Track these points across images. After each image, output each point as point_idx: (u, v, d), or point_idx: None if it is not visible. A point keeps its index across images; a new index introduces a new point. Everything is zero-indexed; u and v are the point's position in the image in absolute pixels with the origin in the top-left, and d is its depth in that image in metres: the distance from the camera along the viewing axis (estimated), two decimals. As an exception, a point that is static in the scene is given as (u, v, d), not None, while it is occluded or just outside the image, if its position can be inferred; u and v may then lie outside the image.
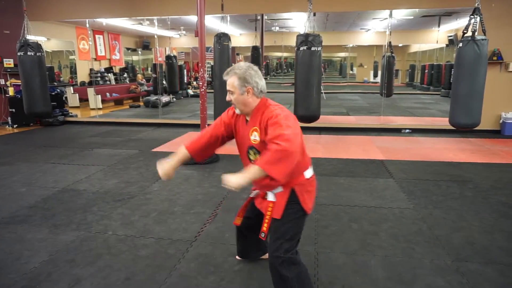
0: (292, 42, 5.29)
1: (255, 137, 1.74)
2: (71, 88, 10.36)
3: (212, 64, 5.50)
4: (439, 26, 12.53)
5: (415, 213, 3.24)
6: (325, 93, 11.11)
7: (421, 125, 7.28)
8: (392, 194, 3.71)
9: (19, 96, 7.20)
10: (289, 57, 19.86)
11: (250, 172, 1.54)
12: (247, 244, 2.31)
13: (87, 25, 9.81)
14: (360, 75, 22.41)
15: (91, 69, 11.76)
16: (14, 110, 7.61)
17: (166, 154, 5.19)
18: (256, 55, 8.82)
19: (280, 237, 1.75)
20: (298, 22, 10.79)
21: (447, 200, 3.55)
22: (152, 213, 3.27)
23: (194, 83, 15.44)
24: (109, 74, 12.24)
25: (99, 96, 10.24)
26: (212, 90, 5.39)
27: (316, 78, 5.15)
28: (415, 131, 6.94)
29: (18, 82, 7.08)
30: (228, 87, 1.76)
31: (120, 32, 13.04)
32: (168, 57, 13.04)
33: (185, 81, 14.19)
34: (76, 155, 5.32)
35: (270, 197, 1.81)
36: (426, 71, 17.76)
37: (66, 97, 9.32)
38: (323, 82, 11.69)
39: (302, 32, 5.21)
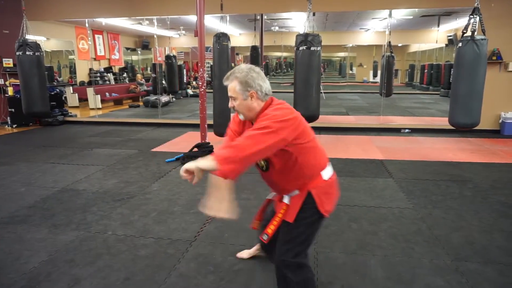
0: (292, 42, 5.28)
1: None
2: (71, 88, 10.36)
3: (211, 64, 5.49)
4: (438, 26, 12.53)
5: (414, 212, 3.25)
6: (324, 93, 11.12)
7: (420, 125, 7.28)
8: (392, 194, 3.71)
9: (18, 96, 7.19)
10: (288, 57, 19.87)
11: (204, 163, 1.47)
12: (270, 246, 2.10)
13: (87, 25, 9.81)
14: (359, 75, 22.42)
15: (90, 69, 11.75)
16: (13, 110, 7.61)
17: (165, 154, 5.21)
18: (255, 55, 8.81)
19: (291, 241, 1.68)
20: (298, 22, 10.79)
21: (446, 200, 3.55)
22: (151, 213, 3.27)
23: (194, 83, 15.44)
24: (109, 74, 12.23)
25: (99, 96, 10.24)
26: (212, 90, 5.38)
27: (315, 78, 5.15)
28: (415, 131, 6.94)
29: (17, 82, 7.07)
30: (229, 93, 1.62)
31: (120, 32, 13.04)
32: (168, 57, 13.03)
33: (185, 81, 14.18)
34: (75, 155, 5.32)
35: (286, 199, 1.71)
36: (426, 71, 17.78)
37: (65, 97, 9.32)
38: (323, 82, 11.73)
39: (301, 32, 5.22)
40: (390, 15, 9.77)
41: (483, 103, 4.83)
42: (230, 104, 1.66)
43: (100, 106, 10.13)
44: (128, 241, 2.75)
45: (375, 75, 18.51)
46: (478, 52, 4.66)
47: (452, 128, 5.23)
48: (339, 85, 17.57)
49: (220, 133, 5.56)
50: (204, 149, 4.90)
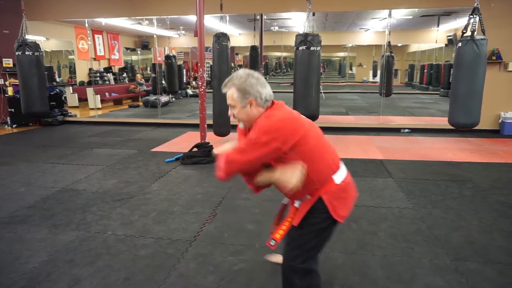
0: (291, 41, 5.28)
1: None
2: (70, 88, 10.36)
3: (211, 64, 5.50)
4: (438, 26, 12.54)
5: (414, 212, 3.25)
6: (324, 92, 11.13)
7: (420, 124, 7.28)
8: (391, 194, 3.71)
9: (18, 96, 7.19)
10: (288, 57, 19.87)
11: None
12: None
13: (86, 25, 9.80)
14: (359, 74, 22.42)
15: (90, 69, 11.76)
16: (13, 110, 7.61)
17: (165, 154, 5.22)
18: (254, 55, 8.82)
19: (300, 247, 1.62)
20: (297, 22, 10.79)
21: (446, 200, 3.55)
22: (151, 213, 3.27)
23: (194, 83, 15.44)
24: (108, 74, 12.23)
25: (98, 96, 10.24)
26: (211, 90, 5.39)
27: (315, 77, 5.16)
28: (414, 130, 6.94)
29: (17, 82, 7.07)
30: (228, 101, 1.57)
31: (119, 31, 13.03)
32: (168, 57, 13.03)
33: (185, 81, 14.19)
34: (75, 155, 5.32)
35: (296, 203, 1.65)
36: (425, 70, 17.79)
37: (65, 97, 9.32)
38: (323, 82, 11.74)
39: (301, 32, 5.22)
40: (389, 15, 9.77)
41: (482, 103, 4.83)
42: (230, 112, 1.60)
43: (100, 106, 10.13)
44: (128, 241, 2.75)
45: (374, 75, 18.51)
46: (478, 52, 4.67)
47: (452, 128, 5.23)
48: (339, 85, 17.56)
49: (220, 133, 5.57)
50: (204, 149, 4.90)
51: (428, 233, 2.85)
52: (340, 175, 1.61)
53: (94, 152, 5.50)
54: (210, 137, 5.30)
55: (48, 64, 10.57)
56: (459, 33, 4.98)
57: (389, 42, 10.84)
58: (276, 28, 12.48)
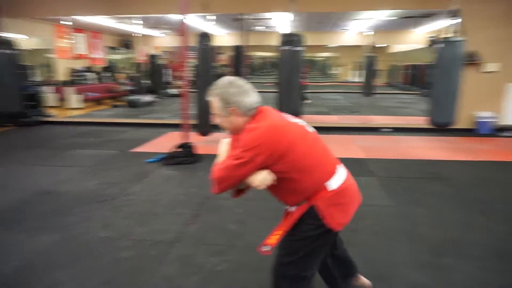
0: (276, 41, 5.31)
1: None
2: (50, 87, 10.11)
3: (195, 63, 5.46)
4: (419, 27, 12.81)
5: (396, 210, 3.31)
6: (308, 92, 11.21)
7: (401, 124, 7.42)
8: (374, 192, 3.77)
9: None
10: (272, 57, 19.91)
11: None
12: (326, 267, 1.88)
13: (67, 23, 9.59)
14: (342, 75, 22.65)
15: (71, 68, 11.51)
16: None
17: (147, 155, 5.16)
18: (238, 55, 8.81)
19: (292, 254, 1.57)
20: (282, 22, 10.84)
21: (427, 198, 3.63)
22: (134, 214, 3.23)
23: (177, 82, 15.31)
24: (90, 73, 12.00)
25: (80, 95, 10.04)
26: (195, 90, 5.36)
27: (298, 77, 5.19)
28: (396, 130, 7.07)
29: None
30: (212, 109, 1.57)
31: (102, 30, 12.81)
32: (151, 56, 12.89)
33: (168, 81, 14.06)
34: (55, 156, 5.20)
35: (292, 208, 1.60)
36: (407, 71, 18.13)
37: (44, 97, 9.09)
38: (307, 82, 11.82)
39: (285, 32, 5.25)
40: (372, 16, 9.93)
41: (460, 103, 4.97)
42: (216, 120, 1.60)
43: (81, 106, 9.93)
44: (110, 243, 2.71)
45: (357, 75, 18.74)
46: (456, 53, 4.81)
47: (432, 127, 5.36)
48: (322, 85, 17.71)
49: (203, 132, 5.55)
50: (186, 149, 4.87)
51: (410, 230, 2.92)
52: (337, 180, 1.55)
53: (75, 153, 5.39)
54: (193, 137, 5.27)
55: (27, 63, 10.29)
56: (439, 35, 5.11)
57: (371, 42, 11.01)
58: (261, 28, 12.52)
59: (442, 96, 4.95)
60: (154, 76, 12.72)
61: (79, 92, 10.11)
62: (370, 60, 12.51)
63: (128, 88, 11.93)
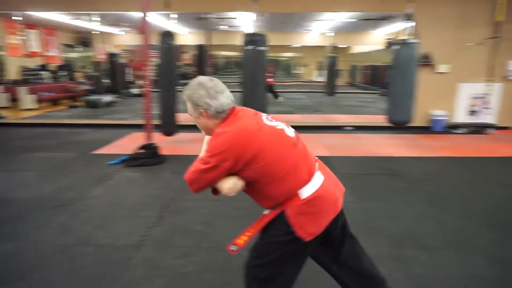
0: (240, 41, 5.31)
1: None
2: (0, 86, 9.47)
3: (157, 62, 5.34)
4: (377, 29, 13.31)
5: (357, 206, 3.42)
6: (271, 92, 11.31)
7: (362, 122, 7.69)
8: (336, 189, 3.87)
9: None
10: (236, 56, 19.91)
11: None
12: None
13: (18, 19, 9.03)
14: (305, 74, 23.10)
15: (22, 66, 10.85)
16: None
17: (108, 157, 4.98)
18: (202, 54, 8.71)
19: (261, 257, 1.53)
20: (245, 21, 10.86)
21: (386, 193, 3.79)
22: (93, 219, 3.10)
23: (139, 82, 14.90)
24: (45, 72, 11.38)
25: (33, 95, 9.49)
26: (158, 89, 5.23)
27: (262, 77, 5.22)
28: (357, 128, 7.31)
29: None
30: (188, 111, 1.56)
31: (57, 27, 12.19)
32: (111, 55, 12.45)
33: (129, 80, 13.65)
34: (8, 160, 4.88)
35: (266, 211, 1.56)
36: (367, 71, 18.81)
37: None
38: (273, 81, 11.93)
39: (249, 32, 5.26)
40: (333, 18, 10.18)
41: (416, 102, 5.23)
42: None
43: (36, 107, 9.40)
44: (68, 250, 2.58)
45: (320, 75, 19.17)
46: (412, 54, 5.04)
47: (390, 125, 5.60)
48: (286, 85, 17.94)
49: (167, 133, 5.44)
50: (150, 150, 4.75)
51: (369, 225, 3.02)
52: (310, 188, 1.47)
53: (30, 157, 5.09)
54: (157, 137, 5.15)
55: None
56: (396, 37, 5.34)
57: (333, 43, 11.30)
58: (225, 27, 12.45)
59: (400, 95, 5.18)
60: (114, 75, 12.30)
61: (32, 92, 9.56)
62: (332, 60, 12.83)
63: (87, 87, 11.44)
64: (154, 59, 5.57)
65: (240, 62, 5.34)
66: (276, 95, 11.83)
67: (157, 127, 5.22)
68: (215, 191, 1.58)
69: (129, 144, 5.50)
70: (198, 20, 10.06)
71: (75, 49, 14.43)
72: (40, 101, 9.65)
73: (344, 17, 10.33)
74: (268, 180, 1.44)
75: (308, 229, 1.46)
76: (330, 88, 12.92)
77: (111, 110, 9.56)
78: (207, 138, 1.58)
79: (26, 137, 6.41)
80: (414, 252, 2.58)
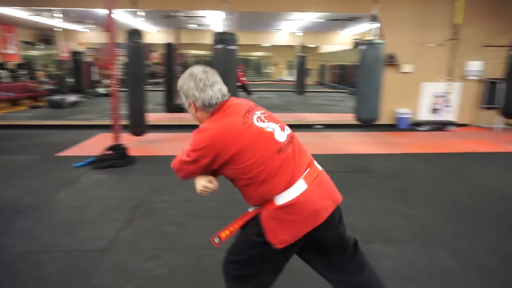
0: (209, 40, 5.27)
1: None
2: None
3: (124, 61, 5.20)
4: (345, 29, 13.63)
5: (327, 203, 3.48)
6: (241, 91, 11.33)
7: (331, 120, 7.85)
8: (307, 187, 3.93)
9: None
10: (206, 55, 19.74)
11: None
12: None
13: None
14: (275, 73, 23.25)
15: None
16: None
17: (74, 159, 4.79)
18: (170, 53, 8.57)
19: (237, 254, 1.53)
20: (215, 20, 10.79)
21: (355, 189, 3.88)
22: (59, 224, 2.97)
23: (106, 81, 14.46)
24: (2, 71, 10.78)
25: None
26: (126, 89, 5.09)
27: (232, 76, 5.21)
28: (327, 126, 7.45)
29: None
30: None
31: (15, 23, 11.58)
32: (75, 53, 11.99)
33: (95, 79, 13.21)
34: (-39, 164, 4.59)
35: (251, 208, 1.54)
36: (335, 70, 19.21)
37: None
38: (245, 80, 11.93)
39: (218, 31, 5.23)
40: (302, 18, 10.32)
41: (382, 100, 5.40)
42: None
43: (-7, 107, 8.89)
44: (31, 257, 2.46)
45: (290, 74, 19.37)
46: (377, 54, 5.20)
47: (358, 123, 5.75)
48: (256, 84, 17.99)
49: (136, 133, 5.31)
50: (118, 152, 4.62)
51: (339, 221, 3.08)
52: (287, 196, 1.40)
53: (-14, 160, 4.81)
54: (126, 138, 5.02)
55: None
56: (363, 37, 5.49)
57: (302, 43, 11.44)
58: (194, 26, 12.32)
59: (367, 94, 5.34)
60: (79, 74, 11.85)
61: (-11, 91, 9.04)
62: (301, 59, 13.02)
63: (50, 87, 10.95)
64: (121, 58, 5.41)
65: (210, 61, 5.29)
66: (249, 93, 11.93)
67: (125, 128, 5.09)
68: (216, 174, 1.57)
69: (95, 145, 5.32)
70: (166, 18, 9.89)
71: (36, 46, 13.79)
72: (-2, 101, 9.14)
73: (312, 17, 10.50)
74: (246, 182, 1.43)
75: (280, 236, 1.41)
76: (299, 87, 13.10)
77: (76, 111, 9.21)
78: None
79: (-17, 139, 6.05)
80: (383, 247, 2.66)
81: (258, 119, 1.47)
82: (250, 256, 1.50)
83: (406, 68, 7.38)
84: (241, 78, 11.40)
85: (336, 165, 4.79)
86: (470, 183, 4.14)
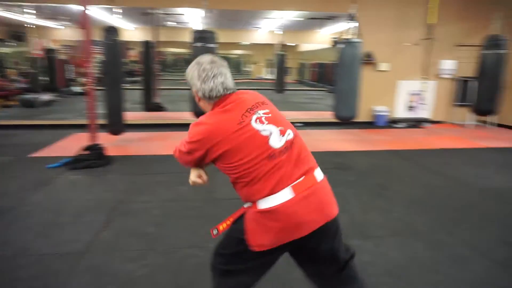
0: (188, 38, 5.21)
1: None
2: None
3: (101, 59, 5.08)
4: (324, 28, 13.77)
5: (307, 200, 3.52)
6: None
7: (311, 118, 7.93)
8: (288, 184, 3.95)
9: None
10: (185, 53, 19.53)
11: None
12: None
13: None
14: (255, 72, 23.28)
15: None
16: None
17: (48, 159, 4.65)
18: (148, 51, 8.42)
19: (224, 247, 1.54)
20: (193, 18, 10.68)
21: (335, 186, 3.87)
22: (34, 226, 2.88)
23: (81, 79, 14.08)
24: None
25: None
26: (102, 87, 4.98)
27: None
28: (306, 124, 7.52)
29: None
30: None
31: (-17, 19, 11.11)
32: (49, 50, 11.63)
33: (70, 77, 12.85)
34: None
35: (246, 204, 1.48)
36: (314, 69, 19.39)
37: None
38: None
39: (197, 29, 5.18)
40: (281, 16, 10.36)
41: (360, 98, 5.50)
42: None
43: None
44: (3, 263, 2.37)
45: (269, 73, 19.43)
46: (355, 53, 5.29)
47: (337, 120, 5.83)
48: (236, 82, 17.95)
49: (114, 132, 5.20)
50: (95, 152, 4.51)
51: (319, 217, 3.12)
52: (268, 202, 1.36)
53: (-46, 162, 4.60)
54: (103, 137, 4.90)
55: None
56: (341, 36, 5.56)
57: (281, 41, 11.47)
58: (173, 23, 12.15)
59: (345, 92, 5.42)
60: (53, 73, 11.50)
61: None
62: (280, 58, 13.07)
63: (22, 85, 10.57)
64: (97, 56, 5.28)
65: (189, 59, 5.24)
66: None
67: (102, 127, 4.97)
68: None
69: (71, 145, 5.17)
70: (144, 16, 9.71)
71: (7, 43, 13.27)
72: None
73: (292, 15, 10.55)
74: (234, 179, 1.44)
75: (258, 239, 1.39)
76: (279, 85, 13.16)
77: (49, 110, 8.93)
78: None
79: (-50, 140, 5.79)
80: (361, 242, 2.71)
81: (257, 120, 1.42)
82: (234, 252, 1.49)
83: (383, 66, 7.53)
84: None
85: (317, 162, 4.84)
86: (444, 178, 4.28)
